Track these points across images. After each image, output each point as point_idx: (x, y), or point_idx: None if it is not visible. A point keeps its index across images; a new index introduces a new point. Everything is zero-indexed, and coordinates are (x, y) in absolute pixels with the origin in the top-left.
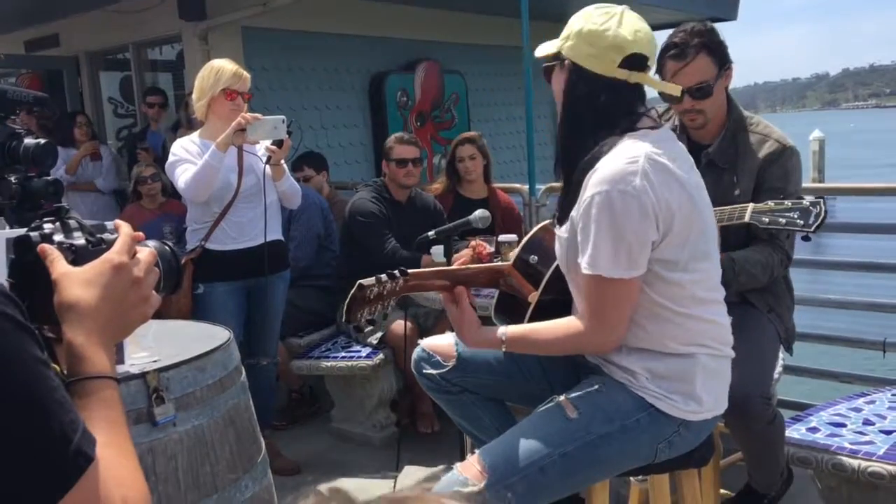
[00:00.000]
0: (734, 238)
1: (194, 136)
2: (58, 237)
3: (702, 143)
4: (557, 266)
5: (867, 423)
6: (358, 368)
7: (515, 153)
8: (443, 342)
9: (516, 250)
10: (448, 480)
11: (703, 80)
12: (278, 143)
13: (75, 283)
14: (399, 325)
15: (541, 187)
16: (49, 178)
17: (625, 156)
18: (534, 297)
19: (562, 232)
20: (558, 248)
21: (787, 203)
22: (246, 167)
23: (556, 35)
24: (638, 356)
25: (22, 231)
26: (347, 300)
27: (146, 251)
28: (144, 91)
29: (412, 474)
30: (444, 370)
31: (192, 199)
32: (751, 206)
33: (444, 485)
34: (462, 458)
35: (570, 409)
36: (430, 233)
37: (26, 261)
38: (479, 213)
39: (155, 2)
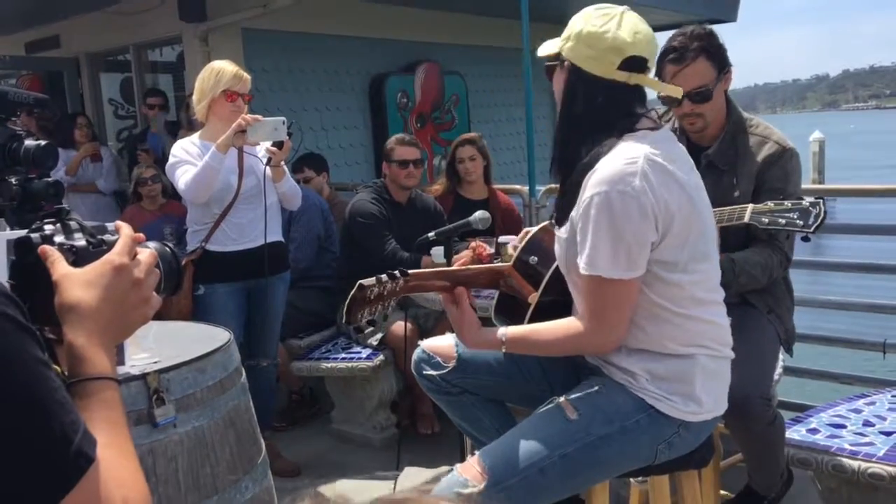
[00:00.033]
0: (734, 239)
1: (194, 137)
2: (58, 238)
3: (701, 145)
4: (557, 267)
5: (867, 424)
6: (358, 370)
7: (515, 154)
8: (443, 343)
9: (518, 244)
10: (448, 482)
11: (702, 84)
12: (278, 145)
13: (76, 284)
14: (399, 327)
15: (541, 188)
16: (49, 179)
17: (624, 157)
18: (534, 297)
19: (561, 233)
20: (558, 248)
21: (787, 204)
22: (246, 168)
23: (556, 36)
24: (638, 357)
25: (23, 232)
26: (348, 301)
27: (147, 252)
28: (145, 92)
29: (412, 476)
30: (444, 371)
31: (193, 200)
32: (750, 206)
33: (444, 486)
34: (462, 459)
35: (570, 410)
36: (431, 234)
37: (27, 262)
38: (479, 214)
39: (155, 3)
